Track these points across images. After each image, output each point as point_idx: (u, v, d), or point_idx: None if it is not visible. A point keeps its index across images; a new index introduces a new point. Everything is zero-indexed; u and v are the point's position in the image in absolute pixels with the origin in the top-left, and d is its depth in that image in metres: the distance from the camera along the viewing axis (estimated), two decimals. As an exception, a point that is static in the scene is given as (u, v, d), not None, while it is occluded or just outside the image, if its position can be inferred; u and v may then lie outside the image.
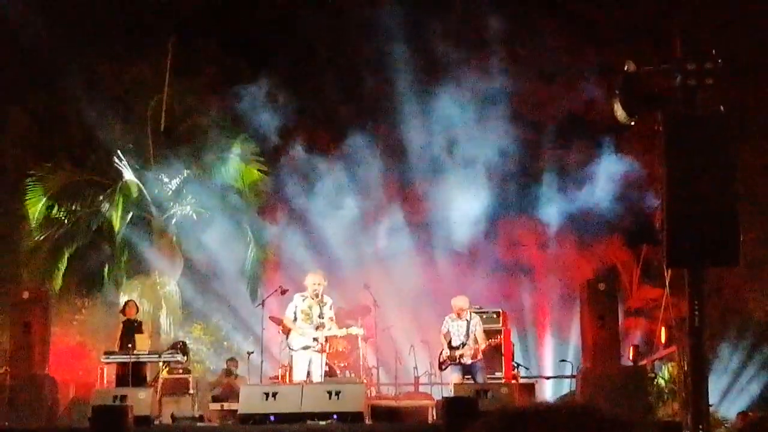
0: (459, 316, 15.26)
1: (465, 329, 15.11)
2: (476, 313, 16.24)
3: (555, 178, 24.94)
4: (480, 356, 15.15)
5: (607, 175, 24.40)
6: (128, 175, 21.01)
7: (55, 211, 21.07)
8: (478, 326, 15.23)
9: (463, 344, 15.05)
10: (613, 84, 9.70)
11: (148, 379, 16.05)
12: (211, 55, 23.03)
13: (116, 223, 20.73)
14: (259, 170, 21.53)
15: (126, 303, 17.03)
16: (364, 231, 23.50)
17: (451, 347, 15.14)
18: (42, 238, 20.88)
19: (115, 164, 20.99)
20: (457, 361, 15.06)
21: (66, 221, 21.19)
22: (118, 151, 21.04)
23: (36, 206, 20.60)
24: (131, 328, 16.24)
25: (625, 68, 9.29)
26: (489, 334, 16.06)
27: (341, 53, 25.31)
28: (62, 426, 15.25)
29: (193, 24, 22.89)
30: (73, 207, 21.23)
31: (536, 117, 25.19)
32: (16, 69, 21.55)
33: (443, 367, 15.36)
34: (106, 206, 20.78)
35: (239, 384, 16.62)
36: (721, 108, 8.92)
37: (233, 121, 22.15)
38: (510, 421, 1.43)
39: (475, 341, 15.04)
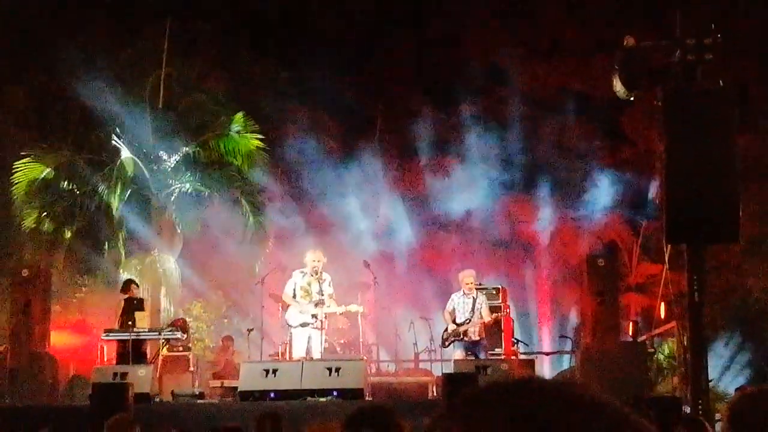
0: (467, 291, 15.21)
1: (471, 306, 15.09)
2: (477, 289, 16.24)
3: (555, 155, 24.91)
4: (484, 333, 15.15)
5: (608, 152, 24.39)
6: (126, 153, 20.96)
7: (53, 189, 21.02)
8: (484, 303, 15.21)
9: (468, 320, 15.03)
10: (612, 59, 9.67)
11: (149, 356, 16.05)
12: (211, 32, 22.95)
13: (115, 202, 20.69)
14: (258, 147, 21.48)
15: (126, 281, 17.01)
16: (363, 207, 23.50)
17: (455, 324, 15.12)
18: (42, 216, 20.85)
19: (114, 142, 20.94)
20: (461, 337, 15.04)
21: (65, 200, 21.14)
22: (117, 129, 20.98)
23: (26, 188, 20.51)
24: (132, 305, 16.23)
25: (624, 43, 9.26)
26: (490, 310, 16.08)
27: (344, 32, 25.27)
28: (62, 403, 15.29)
29: (191, 2, 22.81)
30: (72, 186, 21.19)
31: (536, 93, 25.13)
32: (13, 48, 21.47)
33: (446, 344, 15.35)
34: (104, 185, 20.72)
35: (238, 361, 16.65)
36: (721, 83, 8.89)
37: (232, 98, 22.09)
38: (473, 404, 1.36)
39: (480, 317, 15.02)
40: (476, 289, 15.62)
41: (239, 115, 21.25)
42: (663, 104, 8.78)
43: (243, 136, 21.22)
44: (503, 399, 1.32)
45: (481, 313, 15.04)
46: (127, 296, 16.33)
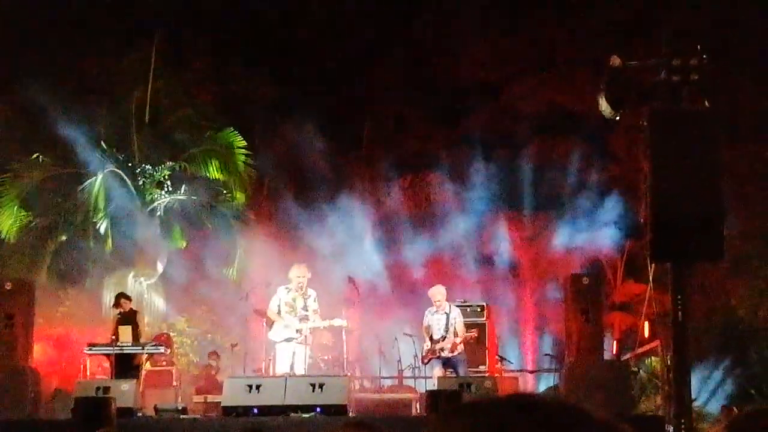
0: (437, 307, 15.18)
1: (445, 322, 15.04)
2: (461, 306, 16.22)
3: (541, 172, 24.96)
4: (460, 349, 15.08)
5: (593, 169, 24.45)
6: (111, 166, 20.91)
7: (38, 202, 20.97)
8: (458, 319, 15.13)
9: (443, 337, 14.98)
10: (598, 78, 9.71)
11: (140, 369, 15.94)
12: (199, 48, 22.98)
13: (99, 215, 20.64)
14: (245, 163, 21.47)
15: (116, 296, 16.88)
16: (349, 224, 23.48)
17: (432, 340, 15.09)
18: (26, 229, 20.80)
19: (99, 156, 20.90)
20: (437, 354, 15.01)
21: (49, 214, 21.09)
22: (102, 143, 20.94)
23: (10, 202, 20.44)
24: (126, 319, 16.10)
25: (610, 63, 9.29)
26: (473, 327, 16.06)
27: (332, 46, 25.33)
28: (45, 417, 15.20)
29: (181, 17, 22.82)
30: (57, 199, 21.14)
31: (523, 109, 25.20)
32: (0, 60, 21.43)
33: (425, 361, 15.33)
34: (89, 198, 20.66)
35: (221, 377, 16.59)
36: (707, 104, 8.92)
37: (220, 112, 22.10)
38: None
39: (455, 335, 14.98)
40: (456, 306, 15.58)
41: (227, 131, 21.26)
42: (648, 124, 8.80)
43: (230, 152, 21.21)
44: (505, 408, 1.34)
45: (455, 329, 14.99)
46: (119, 311, 16.22)
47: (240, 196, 21.77)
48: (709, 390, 22.03)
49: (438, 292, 15.38)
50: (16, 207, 20.53)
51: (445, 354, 14.95)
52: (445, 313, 15.09)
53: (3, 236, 20.62)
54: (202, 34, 23.02)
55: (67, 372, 17.52)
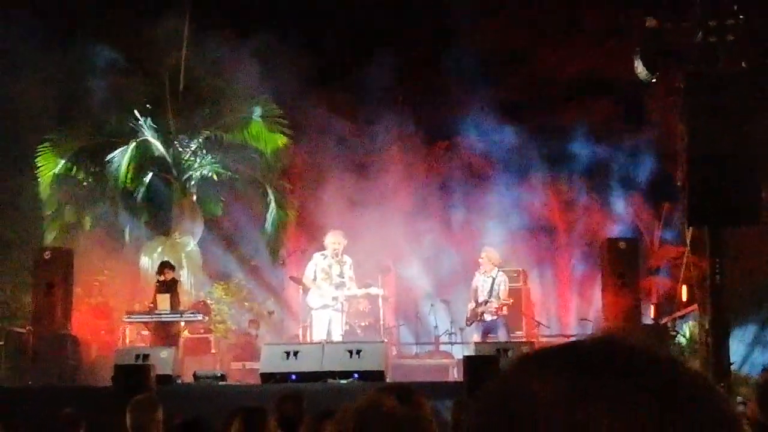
0: (484, 267, 15.22)
1: (489, 286, 15.08)
2: (500, 269, 16.22)
3: (577, 137, 24.80)
4: (501, 313, 15.11)
5: (631, 133, 24.28)
6: (148, 136, 20.99)
7: (74, 172, 21.10)
8: (502, 284, 15.17)
9: (486, 301, 15.03)
10: (633, 41, 9.62)
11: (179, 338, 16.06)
12: (232, 15, 22.93)
13: (136, 184, 20.75)
14: (280, 131, 21.47)
15: (160, 264, 16.96)
16: (385, 189, 23.46)
17: (476, 303, 15.15)
18: (64, 199, 20.96)
19: (134, 125, 20.97)
20: (479, 318, 15.05)
21: (87, 182, 21.24)
22: (136, 112, 21.00)
23: (49, 171, 20.60)
24: (166, 287, 16.19)
25: (646, 24, 9.19)
26: (510, 292, 16.07)
27: (364, 14, 25.25)
28: (85, 384, 15.39)
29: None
30: (94, 169, 21.25)
31: (558, 74, 25.04)
32: (32, 31, 21.48)
33: (468, 323, 15.38)
34: (123, 164, 20.72)
35: (259, 344, 16.71)
36: (743, 65, 8.82)
37: (254, 81, 22.07)
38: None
39: (498, 299, 15.01)
40: (498, 268, 15.54)
41: (261, 99, 21.26)
42: (684, 86, 8.73)
43: (265, 119, 21.22)
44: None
45: (499, 294, 15.03)
46: (162, 278, 16.30)
47: (275, 164, 21.78)
48: (748, 353, 21.88)
49: (485, 253, 15.44)
50: (53, 177, 20.67)
51: (486, 318, 15.00)
52: (491, 276, 15.13)
53: (41, 206, 20.78)
54: (235, 2, 22.97)
55: (107, 340, 17.70)
